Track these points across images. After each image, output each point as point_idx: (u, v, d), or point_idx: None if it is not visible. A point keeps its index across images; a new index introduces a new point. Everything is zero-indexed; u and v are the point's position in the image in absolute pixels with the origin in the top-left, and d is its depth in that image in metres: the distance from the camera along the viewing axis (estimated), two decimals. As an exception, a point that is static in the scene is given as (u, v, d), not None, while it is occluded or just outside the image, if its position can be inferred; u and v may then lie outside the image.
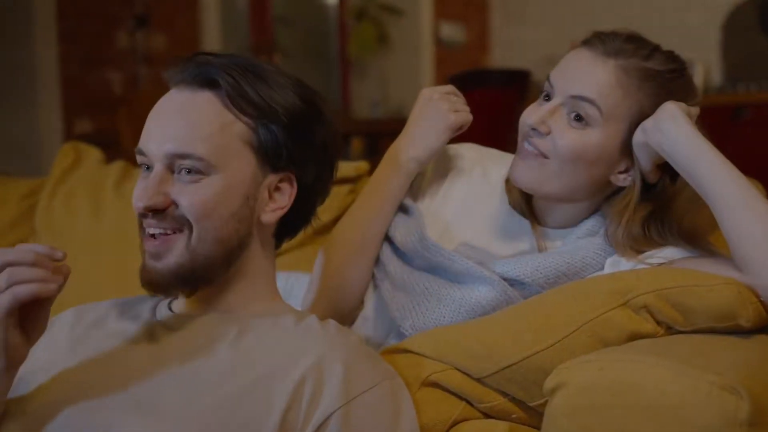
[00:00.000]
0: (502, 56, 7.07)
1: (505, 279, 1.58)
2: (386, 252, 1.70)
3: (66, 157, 2.42)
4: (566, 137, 1.55)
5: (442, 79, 6.37)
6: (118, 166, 2.38)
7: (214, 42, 5.68)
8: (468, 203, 1.74)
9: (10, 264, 1.22)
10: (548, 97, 1.60)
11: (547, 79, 1.61)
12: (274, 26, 6.54)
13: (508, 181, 1.70)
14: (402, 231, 1.68)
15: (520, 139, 1.62)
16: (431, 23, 6.82)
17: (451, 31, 6.94)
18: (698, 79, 5.73)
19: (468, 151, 1.82)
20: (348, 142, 5.93)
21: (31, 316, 1.26)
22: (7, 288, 1.21)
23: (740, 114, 5.32)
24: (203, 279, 1.37)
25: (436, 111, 1.69)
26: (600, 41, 1.57)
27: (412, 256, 1.67)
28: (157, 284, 1.36)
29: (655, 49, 1.58)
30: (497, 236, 1.69)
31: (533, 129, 1.57)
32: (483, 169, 1.77)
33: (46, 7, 4.94)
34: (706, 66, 5.85)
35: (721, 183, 1.44)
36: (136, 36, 5.37)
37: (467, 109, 1.72)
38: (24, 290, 1.21)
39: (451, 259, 1.62)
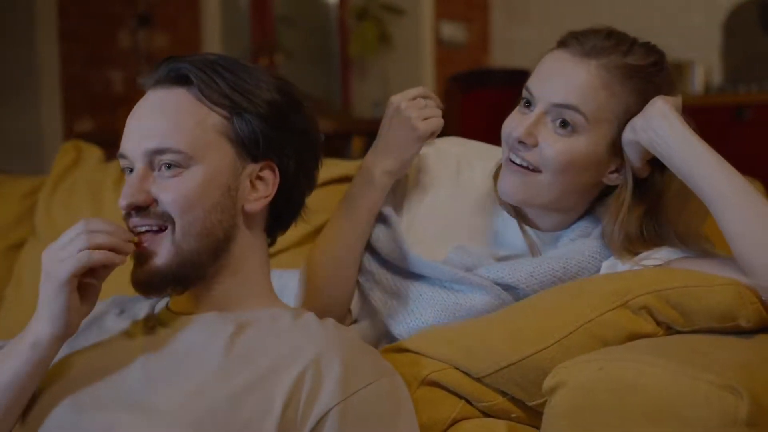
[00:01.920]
0: (503, 56, 7.06)
1: (499, 284, 1.56)
2: (372, 262, 1.67)
3: (66, 156, 2.43)
4: (554, 147, 1.51)
5: (443, 79, 6.37)
6: (117, 164, 2.37)
7: (216, 42, 5.68)
8: (458, 205, 1.70)
9: (91, 232, 1.30)
10: (528, 104, 1.56)
11: (525, 87, 1.57)
12: (275, 26, 6.53)
13: (495, 178, 1.66)
14: (384, 243, 1.65)
15: (505, 150, 1.58)
16: (432, 23, 6.80)
17: (453, 30, 6.93)
18: (699, 79, 5.73)
19: (451, 147, 1.77)
20: (349, 141, 5.93)
21: (87, 287, 1.33)
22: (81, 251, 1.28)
23: (741, 114, 5.31)
24: (192, 275, 1.38)
25: (405, 121, 1.61)
26: (577, 41, 1.53)
27: (399, 266, 1.65)
28: (147, 285, 1.37)
29: (634, 42, 1.54)
30: (490, 237, 1.67)
31: (520, 142, 1.53)
32: (469, 166, 1.73)
33: (47, 6, 4.93)
34: (706, 66, 5.84)
35: (718, 183, 1.43)
36: (138, 35, 5.36)
37: (438, 113, 1.64)
38: (98, 255, 1.29)
39: (439, 271, 1.59)
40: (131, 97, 5.13)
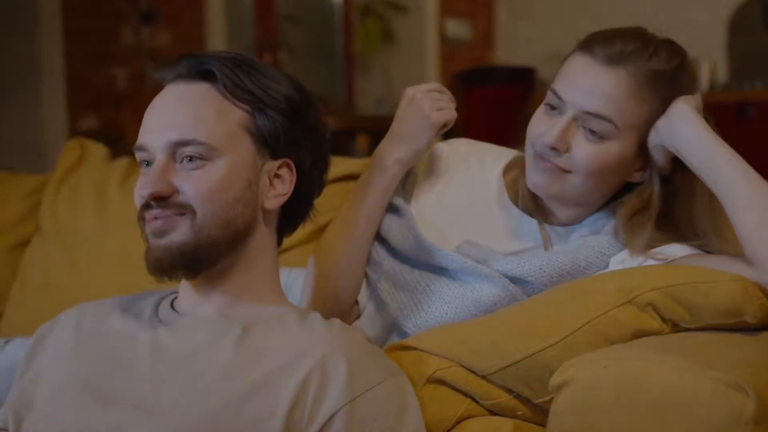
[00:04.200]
0: (507, 53, 7.06)
1: (508, 277, 1.57)
2: (381, 252, 1.68)
3: (71, 154, 2.42)
4: (586, 153, 1.53)
5: (447, 76, 6.37)
6: (122, 162, 2.38)
7: (219, 39, 5.69)
8: (467, 200, 1.71)
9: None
10: (554, 107, 1.56)
11: (552, 90, 1.57)
12: (279, 23, 6.54)
13: (506, 175, 1.69)
14: (396, 232, 1.66)
15: (531, 150, 1.59)
16: (436, 20, 6.81)
17: (457, 27, 6.93)
18: (704, 76, 5.72)
19: (462, 146, 1.79)
20: (353, 139, 5.93)
21: None
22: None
23: (746, 112, 5.31)
24: (207, 260, 1.37)
25: (418, 111, 1.64)
26: (601, 46, 1.53)
27: (409, 256, 1.66)
28: (162, 262, 1.36)
29: (657, 44, 1.54)
30: (499, 233, 1.67)
31: (552, 148, 1.54)
32: (480, 164, 1.74)
33: (51, 4, 4.94)
34: (711, 64, 5.83)
35: (734, 181, 1.44)
36: (142, 33, 5.37)
37: (452, 106, 1.67)
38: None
39: (450, 258, 1.61)
40: (135, 94, 5.16)
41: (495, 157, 1.75)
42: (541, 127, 1.57)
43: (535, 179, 1.59)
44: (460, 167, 1.74)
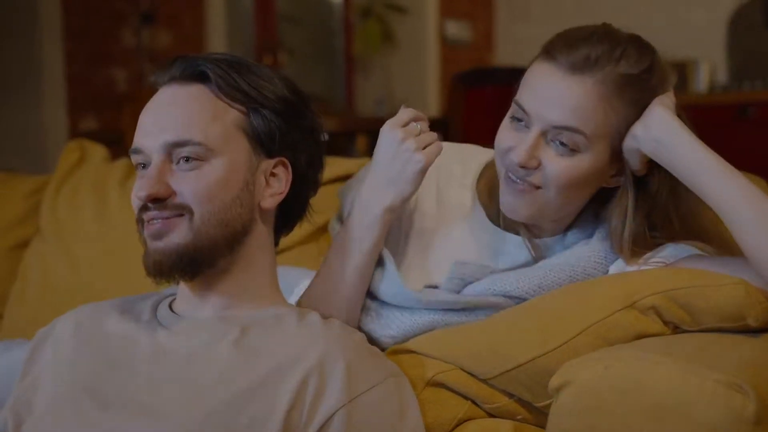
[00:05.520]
0: (507, 54, 7.06)
1: (507, 297, 1.53)
2: (368, 301, 1.58)
3: (71, 155, 2.43)
4: (558, 167, 1.47)
5: (447, 78, 6.37)
6: (122, 163, 2.38)
7: (220, 40, 5.68)
8: (448, 220, 1.63)
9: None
10: (519, 120, 1.50)
11: (516, 102, 1.50)
12: (279, 24, 6.54)
13: (479, 187, 1.63)
14: (379, 284, 1.56)
15: (502, 168, 1.52)
16: (437, 21, 6.81)
17: (457, 29, 6.93)
18: (703, 77, 5.72)
19: None
20: (352, 140, 5.93)
21: None
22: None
23: (746, 112, 5.30)
24: (206, 261, 1.37)
25: (403, 155, 1.48)
26: (566, 53, 1.46)
27: (405, 306, 1.56)
28: (161, 265, 1.36)
29: (626, 44, 1.47)
30: (487, 248, 1.61)
31: (522, 167, 1.48)
32: (448, 179, 1.65)
33: (51, 4, 4.94)
34: (711, 64, 5.83)
35: (722, 190, 1.41)
36: (142, 33, 5.36)
37: (435, 136, 1.51)
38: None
39: (448, 301, 1.54)
40: (135, 95, 5.15)
41: (461, 160, 1.67)
42: (509, 140, 1.51)
43: (509, 204, 1.53)
44: (429, 190, 1.64)
